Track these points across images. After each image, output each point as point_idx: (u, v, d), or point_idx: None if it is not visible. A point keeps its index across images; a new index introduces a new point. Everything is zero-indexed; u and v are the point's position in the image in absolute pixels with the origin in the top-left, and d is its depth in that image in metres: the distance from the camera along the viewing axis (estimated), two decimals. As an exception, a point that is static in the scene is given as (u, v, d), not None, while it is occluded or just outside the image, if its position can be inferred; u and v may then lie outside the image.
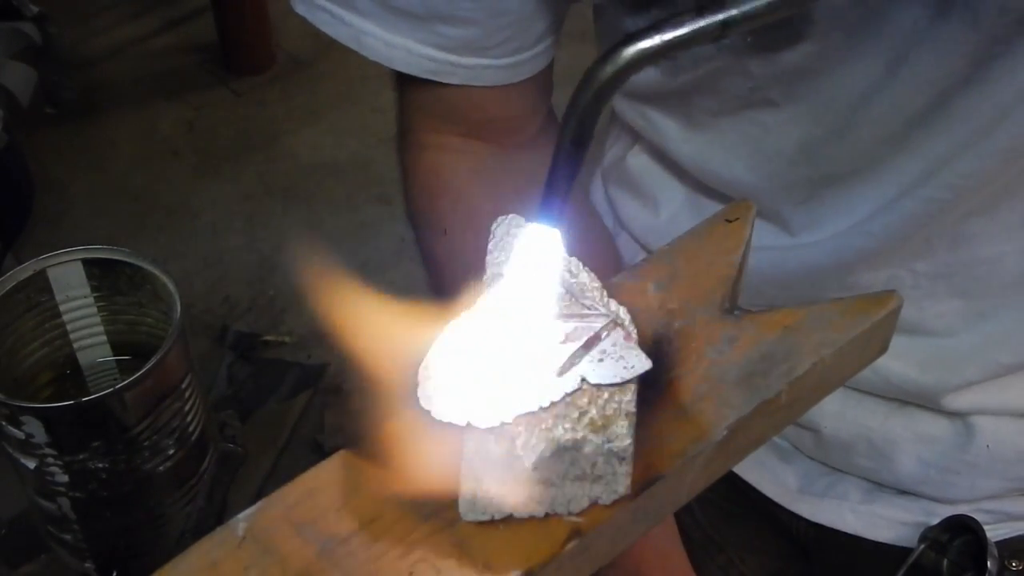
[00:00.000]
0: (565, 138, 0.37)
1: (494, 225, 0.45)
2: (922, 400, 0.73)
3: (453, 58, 0.68)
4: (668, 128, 0.73)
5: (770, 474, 0.82)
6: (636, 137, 0.79)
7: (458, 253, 0.73)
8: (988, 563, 0.71)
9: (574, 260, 0.43)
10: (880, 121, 0.62)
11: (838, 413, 0.76)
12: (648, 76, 0.70)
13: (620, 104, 0.77)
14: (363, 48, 0.68)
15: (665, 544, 0.72)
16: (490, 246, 0.44)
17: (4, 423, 0.67)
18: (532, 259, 0.39)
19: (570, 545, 0.39)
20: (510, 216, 0.45)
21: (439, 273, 0.75)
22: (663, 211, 0.78)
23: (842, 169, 0.66)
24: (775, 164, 0.68)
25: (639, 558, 0.69)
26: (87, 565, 0.74)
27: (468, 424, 0.38)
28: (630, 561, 0.69)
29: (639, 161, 0.79)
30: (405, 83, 0.73)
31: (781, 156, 0.67)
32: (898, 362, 0.71)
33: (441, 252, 0.75)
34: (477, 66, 0.69)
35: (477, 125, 0.74)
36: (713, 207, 0.73)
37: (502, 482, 0.38)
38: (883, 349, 0.49)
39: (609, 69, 0.36)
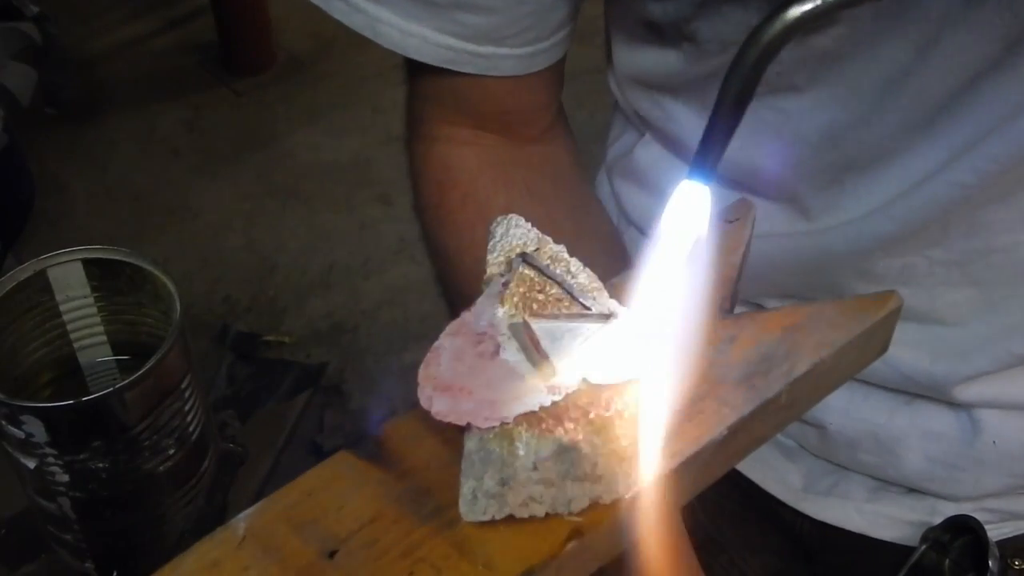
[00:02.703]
0: (728, 95, 0.38)
1: (493, 225, 0.45)
2: (932, 391, 0.73)
3: (471, 47, 0.67)
4: (684, 117, 0.72)
5: (774, 473, 0.82)
6: (645, 129, 0.79)
7: (468, 247, 0.72)
8: (989, 563, 0.71)
9: (575, 260, 0.43)
10: (908, 106, 0.61)
11: (844, 409, 0.75)
12: (669, 64, 0.70)
13: (633, 94, 0.76)
14: (378, 36, 0.68)
15: (674, 543, 0.71)
16: (489, 246, 0.44)
17: (4, 423, 0.67)
18: (683, 214, 0.40)
19: (570, 545, 0.39)
20: (510, 216, 0.45)
21: (449, 267, 0.75)
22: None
23: (866, 155, 0.65)
24: (797, 150, 0.67)
25: (648, 557, 0.69)
26: (87, 565, 0.74)
27: (468, 424, 0.38)
28: (639, 561, 0.68)
29: (649, 153, 0.78)
30: (417, 73, 0.72)
31: (804, 142, 0.66)
32: (909, 351, 0.70)
33: (451, 246, 0.74)
34: (495, 55, 0.68)
35: (489, 117, 0.73)
36: (728, 196, 0.72)
37: (502, 482, 0.38)
38: (883, 349, 0.49)
39: (777, 27, 0.37)
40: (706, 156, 0.40)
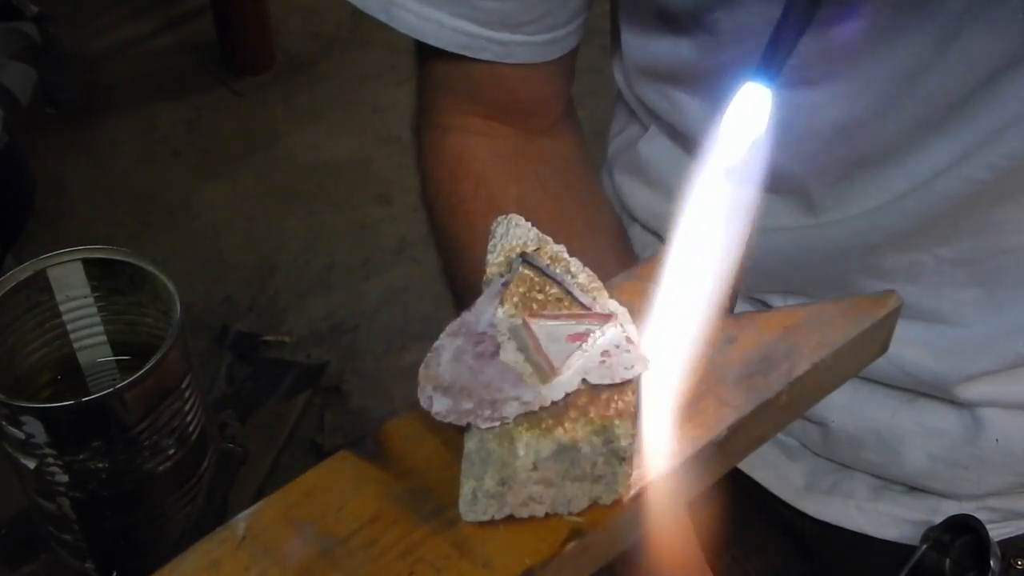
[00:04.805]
0: None
1: (493, 225, 0.45)
2: (935, 390, 0.72)
3: (488, 33, 0.67)
4: (692, 109, 0.71)
5: (776, 472, 0.82)
6: (651, 122, 0.78)
7: (480, 238, 0.72)
8: (991, 562, 0.71)
9: (575, 260, 0.43)
10: (923, 102, 0.61)
11: (846, 407, 0.75)
12: (680, 54, 0.69)
13: (640, 86, 0.76)
14: (392, 20, 0.67)
15: (682, 541, 0.71)
16: (489, 246, 0.44)
17: (4, 423, 0.67)
18: (742, 118, 0.38)
19: (570, 545, 0.39)
20: (510, 216, 0.45)
21: (458, 258, 0.74)
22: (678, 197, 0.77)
23: (878, 150, 0.64)
24: (809, 146, 0.66)
25: (656, 555, 0.69)
26: (87, 565, 0.74)
27: (468, 424, 0.38)
28: (647, 558, 0.68)
29: (653, 147, 0.78)
30: (429, 59, 0.72)
31: (816, 137, 0.65)
32: (913, 350, 0.70)
33: (463, 236, 0.73)
34: (511, 42, 0.68)
35: (501, 106, 0.73)
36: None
37: (502, 482, 0.38)
38: (883, 349, 0.49)
39: None
40: (774, 55, 0.37)
